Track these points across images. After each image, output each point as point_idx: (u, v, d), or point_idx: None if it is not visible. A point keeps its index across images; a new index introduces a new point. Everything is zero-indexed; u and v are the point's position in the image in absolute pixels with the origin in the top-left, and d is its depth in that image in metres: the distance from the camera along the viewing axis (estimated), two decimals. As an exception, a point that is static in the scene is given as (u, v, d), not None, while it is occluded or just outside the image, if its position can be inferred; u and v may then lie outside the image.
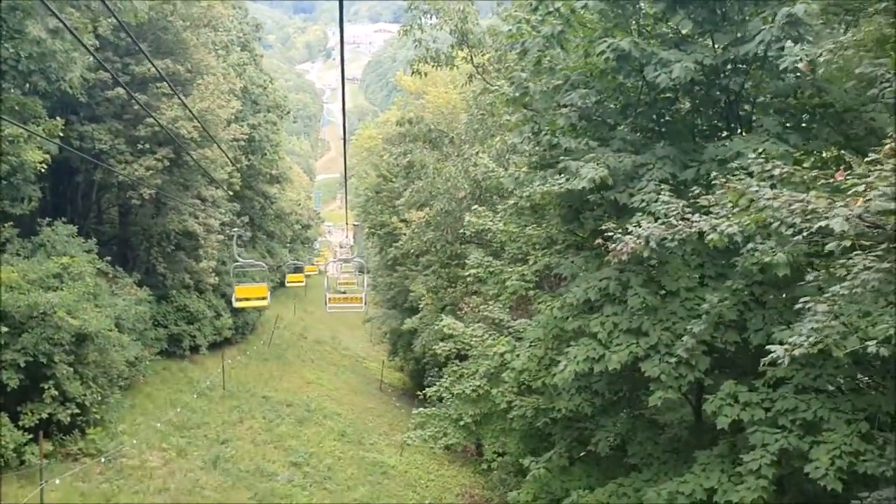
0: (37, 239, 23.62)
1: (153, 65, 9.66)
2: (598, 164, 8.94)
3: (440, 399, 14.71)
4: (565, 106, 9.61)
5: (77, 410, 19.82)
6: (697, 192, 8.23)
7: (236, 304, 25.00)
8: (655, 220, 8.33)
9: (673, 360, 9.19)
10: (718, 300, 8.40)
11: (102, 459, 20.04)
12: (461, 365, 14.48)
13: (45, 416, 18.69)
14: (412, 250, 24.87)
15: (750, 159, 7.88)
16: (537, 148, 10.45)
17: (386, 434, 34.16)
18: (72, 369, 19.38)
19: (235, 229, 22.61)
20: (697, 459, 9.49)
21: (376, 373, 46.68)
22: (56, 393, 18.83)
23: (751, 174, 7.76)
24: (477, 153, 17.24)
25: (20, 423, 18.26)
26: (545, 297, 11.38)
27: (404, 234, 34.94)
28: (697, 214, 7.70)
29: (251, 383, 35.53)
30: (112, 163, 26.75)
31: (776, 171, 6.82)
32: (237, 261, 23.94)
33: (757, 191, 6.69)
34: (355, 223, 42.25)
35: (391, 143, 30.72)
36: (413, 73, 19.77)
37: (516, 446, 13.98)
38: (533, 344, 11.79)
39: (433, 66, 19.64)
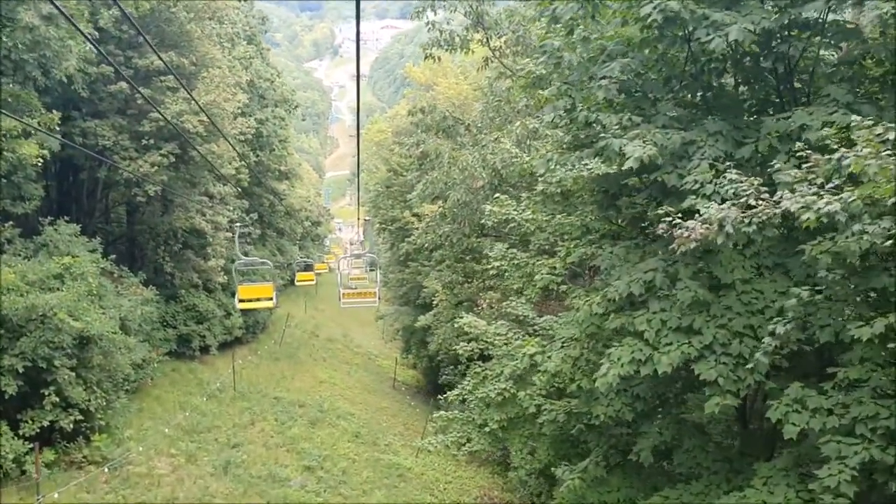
0: (39, 239, 22.83)
1: (158, 55, 8.92)
2: (644, 142, 7.92)
3: (462, 401, 13.71)
4: (603, 78, 8.59)
5: (80, 417, 18.96)
6: (777, 166, 7.17)
7: (239, 306, 22.74)
8: (719, 203, 7.31)
9: (730, 361, 8.17)
10: (803, 297, 7.31)
11: (106, 469, 19.17)
12: (484, 366, 13.48)
13: (46, 423, 17.85)
14: (426, 244, 23.86)
15: (822, 132, 6.82)
16: (570, 126, 9.43)
17: (401, 434, 33.23)
18: (74, 374, 18.50)
19: (237, 224, 20.98)
20: (757, 472, 8.47)
21: (389, 371, 45.75)
22: (57, 399, 17.99)
23: (824, 148, 6.72)
24: (496, 139, 16.21)
25: (20, 432, 17.43)
26: (579, 291, 10.38)
27: (416, 229, 33.99)
28: (777, 193, 6.64)
29: (262, 384, 34.68)
30: (116, 159, 25.91)
31: (891, 135, 5.75)
32: (240, 258, 22.26)
33: (846, 161, 5.64)
34: (366, 219, 41.27)
35: (402, 136, 29.72)
36: (426, 57, 18.74)
37: (546, 453, 12.99)
38: (566, 344, 10.79)
39: (447, 50, 18.59)
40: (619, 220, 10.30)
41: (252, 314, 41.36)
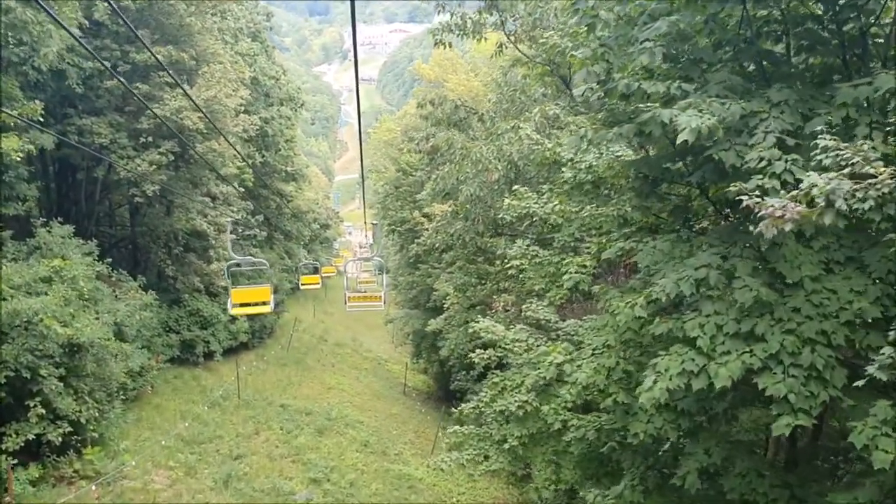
0: (32, 241, 21.76)
1: (149, 51, 8.05)
2: (700, 112, 6.63)
3: (480, 413, 12.42)
4: (646, 41, 7.33)
5: (70, 429, 17.78)
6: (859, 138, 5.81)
7: (233, 312, 19.75)
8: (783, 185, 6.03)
9: (801, 373, 6.87)
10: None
11: (94, 486, 17.94)
12: (503, 376, 12.18)
13: (31, 437, 16.66)
14: (437, 245, 22.59)
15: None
16: (605, 99, 8.14)
17: (412, 443, 31.97)
18: (62, 383, 17.32)
19: (230, 220, 19.17)
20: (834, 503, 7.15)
21: (399, 376, 44.53)
22: (44, 411, 16.80)
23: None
24: (513, 127, 14.95)
25: (3, 447, 16.25)
26: (613, 291, 9.06)
27: (426, 230, 32.78)
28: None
29: (268, 390, 33.52)
30: (114, 158, 24.82)
31: None
32: (233, 258, 20.32)
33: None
34: (374, 222, 40.19)
35: (411, 133, 28.48)
36: (436, 44, 17.50)
37: (572, 472, 11.68)
38: (598, 352, 9.49)
39: (459, 36, 17.34)
40: (660, 211, 8.99)
41: (259, 318, 40.22)
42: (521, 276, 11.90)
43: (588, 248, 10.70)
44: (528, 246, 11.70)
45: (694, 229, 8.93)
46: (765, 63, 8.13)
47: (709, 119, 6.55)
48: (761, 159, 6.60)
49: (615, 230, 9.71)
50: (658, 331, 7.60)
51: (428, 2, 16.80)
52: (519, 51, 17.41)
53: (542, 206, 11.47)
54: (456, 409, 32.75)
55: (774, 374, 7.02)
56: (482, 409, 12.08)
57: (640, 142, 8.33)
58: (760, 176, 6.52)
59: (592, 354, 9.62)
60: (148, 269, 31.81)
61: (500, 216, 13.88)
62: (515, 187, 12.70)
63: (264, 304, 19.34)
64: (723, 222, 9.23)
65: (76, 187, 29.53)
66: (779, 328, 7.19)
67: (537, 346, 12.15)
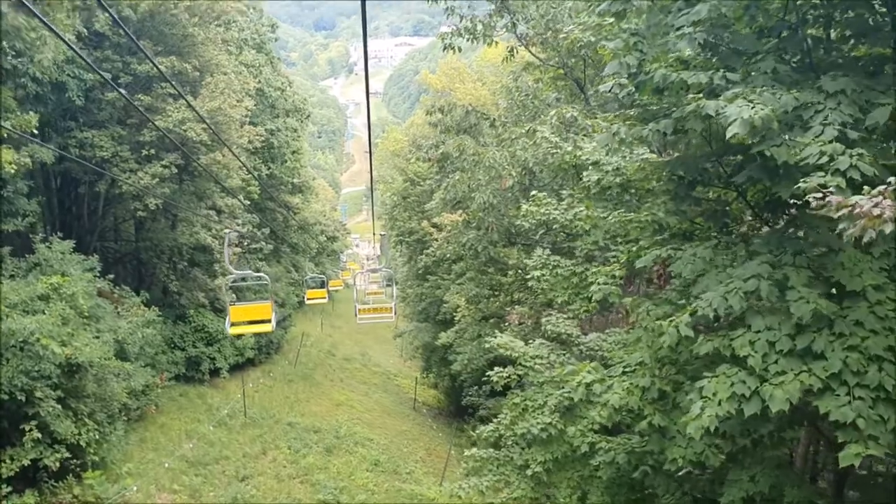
0: (32, 258, 21.15)
1: (151, 60, 7.53)
2: (751, 103, 5.90)
3: (499, 437, 11.62)
4: (681, 28, 6.63)
5: (68, 454, 17.05)
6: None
7: (231, 331, 17.93)
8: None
9: (868, 395, 6.09)
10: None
11: (94, 513, 17.25)
12: (523, 395, 11.39)
13: (27, 462, 15.92)
14: (447, 255, 21.84)
15: None
16: (636, 94, 7.41)
17: (423, 461, 31.11)
18: (59, 406, 16.60)
19: (227, 231, 17.71)
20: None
21: (409, 390, 43.71)
22: (40, 435, 16.06)
23: None
24: (528, 130, 14.22)
25: (-2, 473, 15.56)
26: (646, 304, 8.30)
27: (436, 240, 32.07)
28: None
29: (275, 408, 32.75)
30: (115, 171, 24.22)
31: None
32: (231, 272, 18.49)
33: None
34: (382, 233, 39.51)
35: (419, 142, 27.83)
36: (445, 48, 16.84)
37: (600, 499, 10.87)
38: (629, 370, 8.71)
39: (468, 40, 16.68)
40: (696, 215, 8.23)
41: (265, 334, 39.43)
42: (540, 287, 11.14)
43: (614, 256, 9.95)
44: (548, 255, 10.96)
45: (732, 235, 8.17)
46: (811, 52, 7.38)
47: (761, 109, 5.80)
48: (821, 154, 5.84)
49: (645, 237, 8.95)
50: (703, 350, 6.82)
51: (437, 3, 16.10)
52: (532, 53, 16.75)
53: (564, 213, 10.75)
54: (468, 424, 31.88)
55: (837, 395, 6.25)
56: (501, 432, 11.29)
57: (674, 140, 7.58)
58: (822, 173, 5.76)
59: (623, 373, 8.85)
60: (153, 284, 31.18)
61: (517, 223, 13.14)
62: (533, 192, 11.98)
63: (265, 321, 17.60)
64: (764, 227, 8.47)
65: (79, 202, 28.97)
66: (839, 344, 6.42)
67: (559, 362, 11.37)
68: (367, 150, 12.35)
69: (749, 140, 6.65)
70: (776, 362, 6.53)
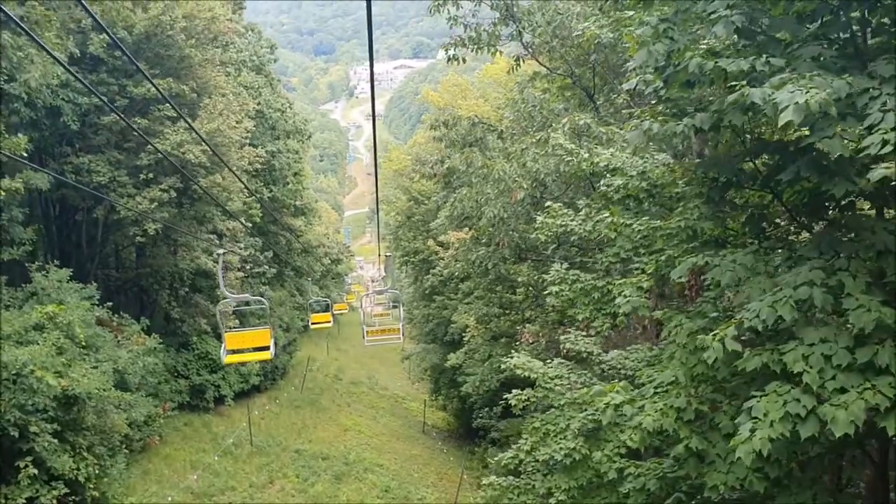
0: (29, 287, 20.58)
1: (149, 79, 7.10)
2: (804, 87, 5.27)
3: (519, 462, 10.89)
4: (716, 11, 6.03)
5: (66, 489, 16.30)
6: None
7: (226, 360, 16.42)
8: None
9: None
10: None
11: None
12: (543, 419, 10.68)
13: (23, 501, 15.18)
14: (455, 273, 21.20)
15: None
16: (661, 91, 6.81)
17: (434, 485, 30.27)
18: (56, 440, 15.88)
19: (221, 252, 16.46)
20: None
21: (418, 413, 42.84)
22: (36, 471, 15.34)
23: None
24: (539, 140, 13.61)
25: (-9, 514, 14.84)
26: (679, 317, 7.63)
27: (442, 259, 31.43)
28: None
29: (282, 435, 31.97)
30: (113, 197, 23.69)
31: None
32: (226, 296, 17.11)
33: None
34: (387, 254, 38.99)
35: (423, 157, 27.28)
36: (448, 59, 16.33)
37: (629, 528, 10.12)
38: (661, 389, 8.02)
39: (473, 50, 16.17)
40: (730, 220, 7.59)
41: (271, 358, 38.50)
42: (559, 303, 10.47)
43: (637, 268, 9.29)
44: (567, 269, 10.32)
45: (770, 240, 7.52)
46: (856, 37, 6.77)
47: (818, 93, 5.17)
48: (884, 143, 5.20)
49: (671, 246, 8.31)
50: (750, 366, 6.14)
51: (440, 13, 15.59)
52: (538, 62, 16.22)
53: (582, 224, 10.12)
54: (479, 447, 31.00)
55: (908, 415, 5.57)
56: (521, 458, 10.55)
57: (706, 139, 6.96)
58: (888, 164, 5.12)
59: (655, 393, 8.15)
60: (155, 312, 30.55)
61: (531, 236, 12.49)
62: (548, 203, 11.37)
63: (264, 349, 16.24)
64: (803, 232, 7.82)
65: (77, 229, 28.45)
66: (906, 356, 5.74)
67: (580, 382, 10.68)
68: (369, 172, 11.76)
69: (793, 135, 6.04)
70: (834, 378, 5.86)
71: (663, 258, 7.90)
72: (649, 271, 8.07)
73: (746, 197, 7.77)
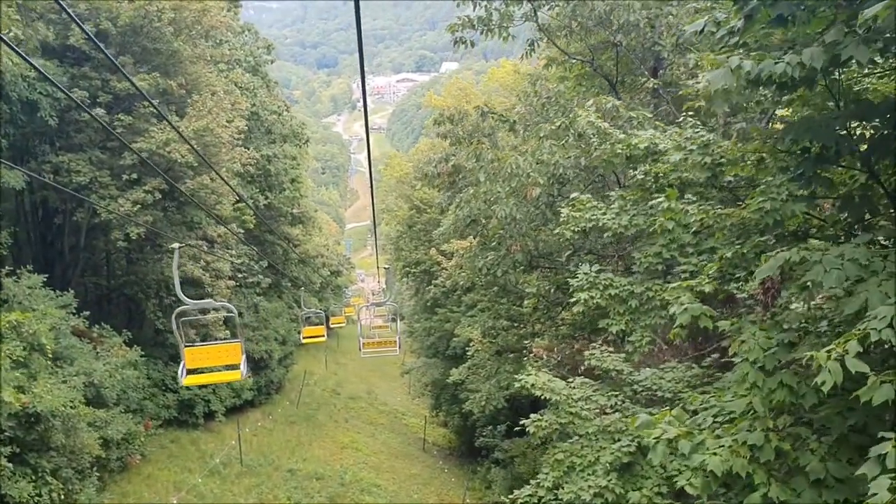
0: (0, 294, 18.97)
1: (123, 74, 5.97)
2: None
3: (538, 501, 9.17)
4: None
5: (24, 520, 14.61)
6: None
7: (184, 382, 12.87)
8: None
9: None
10: None
11: None
12: (567, 449, 8.97)
13: (-28, 533, 13.56)
14: (460, 282, 19.56)
15: None
16: (736, 35, 5.24)
17: (435, 509, 28.49)
18: (12, 464, 14.21)
19: (178, 246, 13.02)
20: None
21: (418, 430, 41.05)
22: (-12, 500, 13.71)
23: None
24: (560, 126, 11.99)
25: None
26: (751, 328, 5.97)
27: (444, 269, 29.79)
28: None
29: (275, 453, 30.21)
30: (94, 199, 22.10)
31: None
32: (186, 302, 12.96)
33: None
34: (386, 266, 37.46)
35: (428, 158, 25.69)
36: (455, 42, 14.80)
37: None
38: (723, 419, 6.36)
39: (482, 33, 14.62)
40: (824, 203, 5.98)
41: (265, 372, 36.92)
42: (587, 312, 8.83)
43: (684, 269, 7.66)
44: (598, 271, 8.70)
45: (872, 231, 5.89)
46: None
47: None
48: None
49: (732, 240, 6.68)
50: (878, 398, 4.46)
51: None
52: (556, 45, 14.68)
53: (616, 217, 8.50)
54: (481, 466, 29.18)
55: None
56: (541, 496, 8.83)
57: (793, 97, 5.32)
58: None
59: (714, 422, 6.49)
60: (145, 322, 28.89)
61: (551, 237, 10.90)
62: (574, 194, 9.75)
63: (234, 368, 12.93)
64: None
65: (59, 233, 26.86)
66: None
67: (611, 406, 9.01)
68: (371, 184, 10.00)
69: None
70: None
71: (729, 255, 6.26)
72: (710, 272, 6.44)
73: (841, 177, 6.14)
